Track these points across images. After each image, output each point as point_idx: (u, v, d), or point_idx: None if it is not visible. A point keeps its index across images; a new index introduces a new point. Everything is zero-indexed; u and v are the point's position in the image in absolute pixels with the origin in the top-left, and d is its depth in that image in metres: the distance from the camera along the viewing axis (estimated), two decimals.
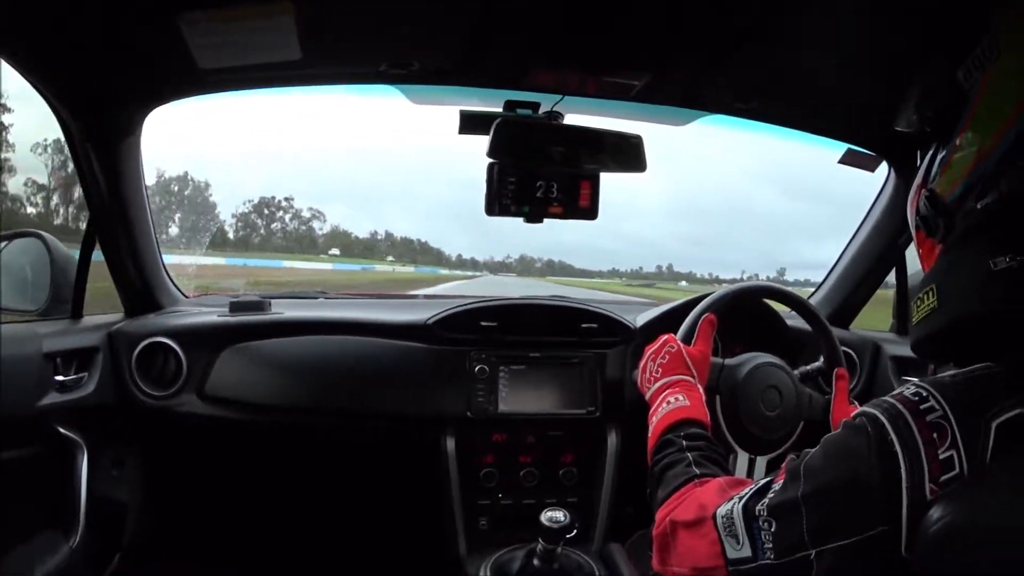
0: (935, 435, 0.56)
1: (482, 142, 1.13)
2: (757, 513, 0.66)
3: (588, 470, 1.45)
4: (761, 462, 1.23)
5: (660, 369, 1.04)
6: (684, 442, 0.88)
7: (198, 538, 1.63)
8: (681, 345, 1.07)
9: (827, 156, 1.50)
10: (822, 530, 0.60)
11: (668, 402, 0.96)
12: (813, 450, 0.65)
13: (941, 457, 0.55)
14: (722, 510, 0.70)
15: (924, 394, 0.58)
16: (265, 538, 1.68)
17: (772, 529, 0.64)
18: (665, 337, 1.08)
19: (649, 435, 0.95)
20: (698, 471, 0.82)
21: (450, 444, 1.39)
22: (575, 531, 1.38)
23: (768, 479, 0.69)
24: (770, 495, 0.66)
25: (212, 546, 1.64)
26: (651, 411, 0.98)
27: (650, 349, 1.08)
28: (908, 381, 0.62)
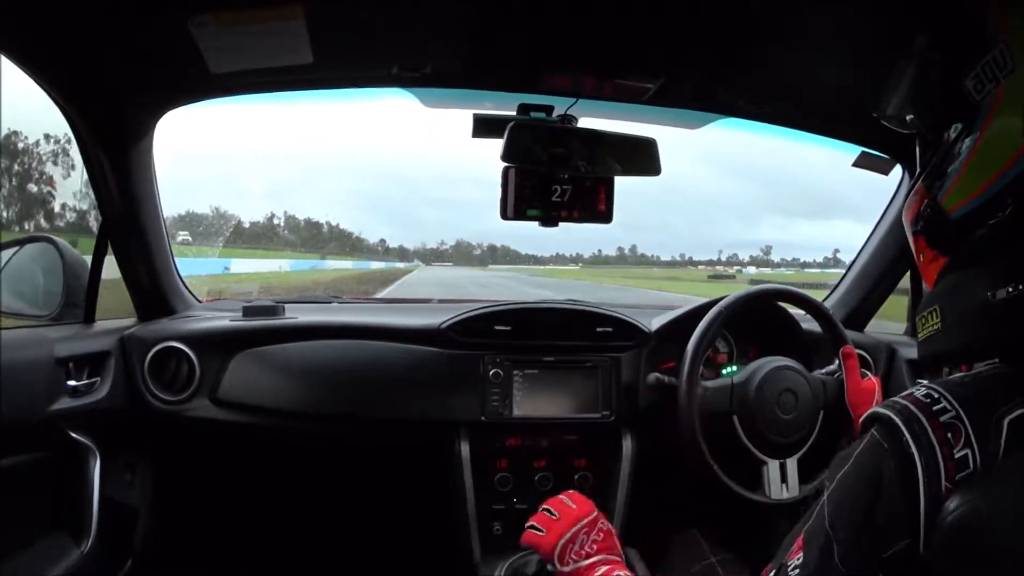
0: (949, 435, 0.56)
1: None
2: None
3: (603, 474, 1.44)
4: (792, 464, 1.23)
5: (596, 545, 1.02)
6: None
7: (210, 543, 1.63)
8: (610, 526, 1.07)
9: (839, 159, 1.49)
10: (850, 552, 0.59)
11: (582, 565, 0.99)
12: (830, 485, 0.63)
13: (956, 456, 0.55)
14: None
15: (936, 395, 0.58)
16: (277, 543, 1.68)
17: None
18: (595, 512, 1.07)
19: None
20: None
21: (464, 449, 1.39)
22: None
23: (781, 564, 0.66)
24: (793, 570, 0.63)
25: (224, 551, 1.63)
26: None
27: (577, 517, 1.05)
28: (920, 383, 0.63)
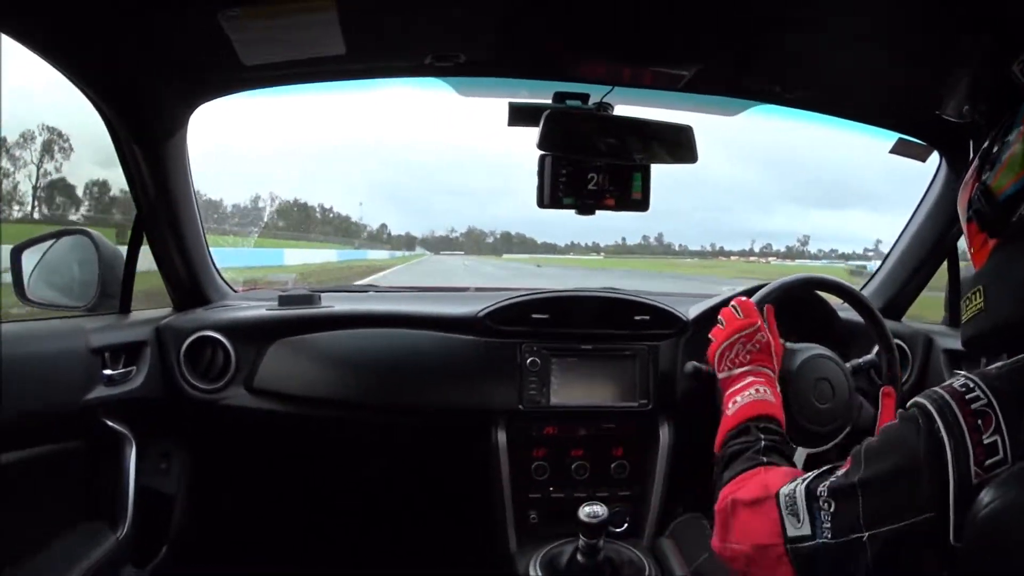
0: (979, 421, 0.59)
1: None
2: (819, 494, 0.69)
3: (640, 463, 1.44)
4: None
5: (749, 355, 1.04)
6: (761, 434, 0.90)
7: (244, 531, 1.65)
8: (771, 337, 1.07)
9: (877, 146, 1.47)
10: (875, 514, 0.64)
11: (755, 391, 0.98)
12: (873, 438, 0.69)
13: (986, 442, 0.58)
14: (785, 490, 0.74)
15: (971, 385, 0.62)
16: (311, 531, 1.69)
17: (831, 509, 0.68)
18: (759, 323, 1.08)
19: (726, 415, 0.97)
20: (766, 459, 0.86)
21: (501, 437, 1.39)
22: (626, 525, 1.38)
23: (834, 465, 0.72)
24: (832, 478, 0.69)
25: (258, 538, 1.65)
26: (730, 392, 1.01)
27: (740, 327, 1.07)
28: (958, 374, 0.66)
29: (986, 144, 0.72)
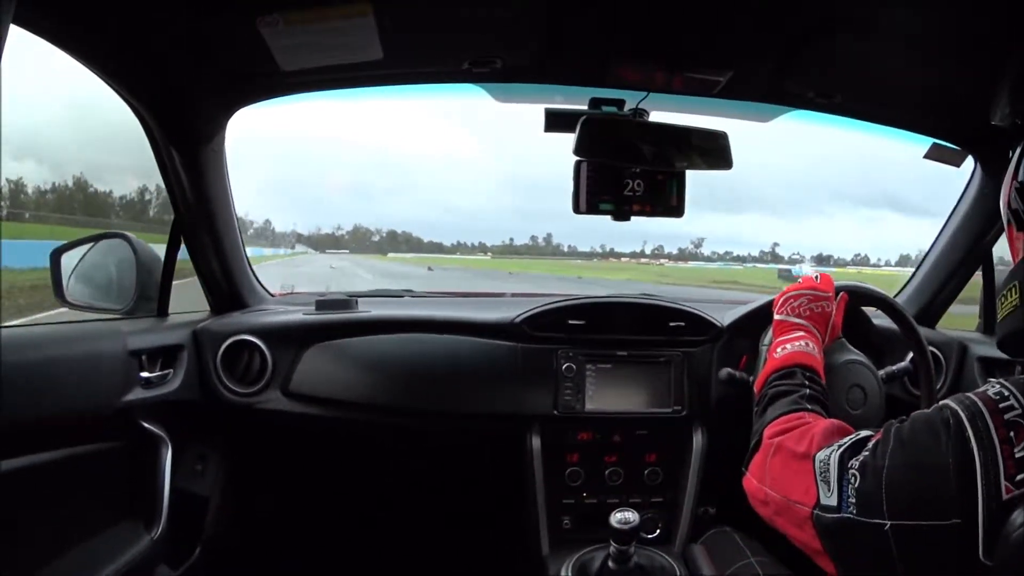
0: (1012, 433, 0.57)
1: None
2: (849, 466, 0.68)
3: (673, 470, 1.44)
4: None
5: (809, 311, 1.07)
6: (806, 380, 0.92)
7: (278, 533, 1.66)
8: (835, 308, 1.11)
9: (911, 151, 1.46)
10: (899, 505, 0.62)
11: (804, 343, 1.00)
12: (906, 421, 0.67)
13: (1017, 455, 0.56)
14: (821, 455, 0.73)
15: (1006, 393, 0.59)
16: (344, 534, 1.70)
17: (856, 484, 0.67)
18: (830, 294, 1.11)
19: (773, 358, 0.99)
20: (809, 406, 0.87)
21: (536, 442, 1.39)
22: (658, 531, 1.38)
23: (868, 434, 0.71)
24: (864, 453, 0.68)
25: (292, 541, 1.66)
26: (781, 338, 1.04)
27: (813, 287, 1.10)
28: (992, 381, 0.63)
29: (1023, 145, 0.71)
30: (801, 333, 1.03)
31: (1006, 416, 0.57)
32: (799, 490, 0.74)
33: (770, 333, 1.11)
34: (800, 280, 1.12)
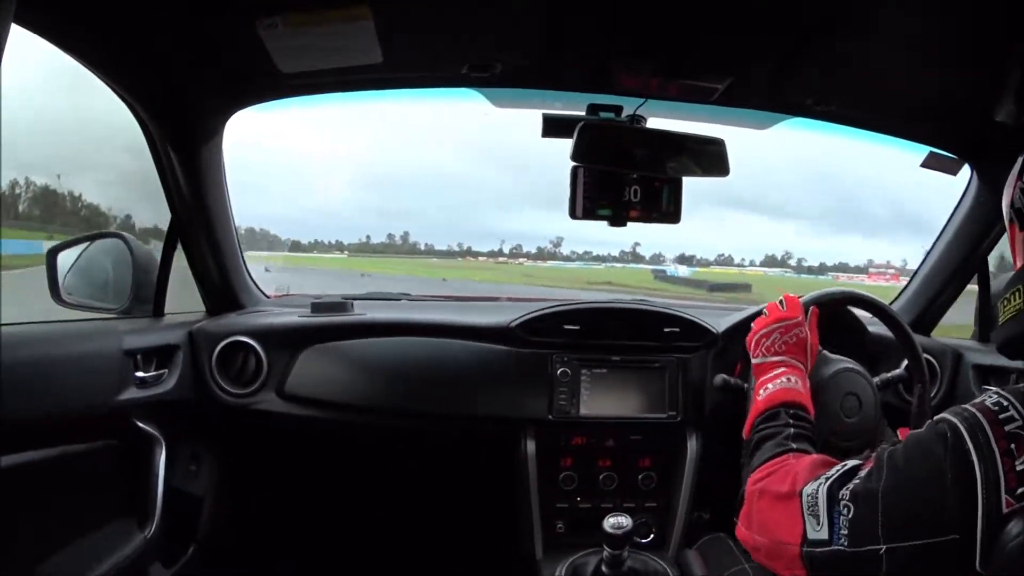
0: (1013, 445, 0.56)
1: None
2: (840, 497, 0.67)
3: (667, 475, 1.44)
4: None
5: (785, 346, 1.05)
6: (790, 419, 0.91)
7: (272, 533, 1.66)
8: (810, 336, 1.09)
9: (906, 159, 1.46)
10: (896, 526, 0.61)
11: (786, 379, 0.99)
12: (898, 444, 0.66)
13: (1019, 468, 0.55)
14: (808, 489, 0.72)
15: (1005, 404, 0.58)
16: (338, 535, 1.70)
17: (849, 515, 0.66)
18: (799, 318, 1.09)
19: (757, 401, 0.98)
20: (795, 446, 0.86)
21: (530, 446, 1.39)
22: (651, 536, 1.38)
23: (856, 463, 0.70)
24: (855, 481, 0.67)
25: (285, 542, 1.67)
26: (762, 379, 1.02)
27: (781, 318, 1.08)
28: (989, 390, 0.62)
29: None
30: (781, 370, 1.01)
31: (1007, 428, 0.57)
32: (785, 530, 0.73)
33: (752, 377, 1.09)
34: (764, 311, 1.11)
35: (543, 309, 1.45)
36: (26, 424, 1.01)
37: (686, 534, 1.39)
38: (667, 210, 1.19)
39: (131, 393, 1.22)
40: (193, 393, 1.35)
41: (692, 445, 1.42)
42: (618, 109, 1.18)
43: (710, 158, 1.18)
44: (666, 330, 1.43)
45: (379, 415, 1.41)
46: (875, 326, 1.40)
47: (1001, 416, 0.57)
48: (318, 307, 1.47)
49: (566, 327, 1.42)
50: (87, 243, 1.41)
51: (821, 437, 1.18)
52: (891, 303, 1.66)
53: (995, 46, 0.96)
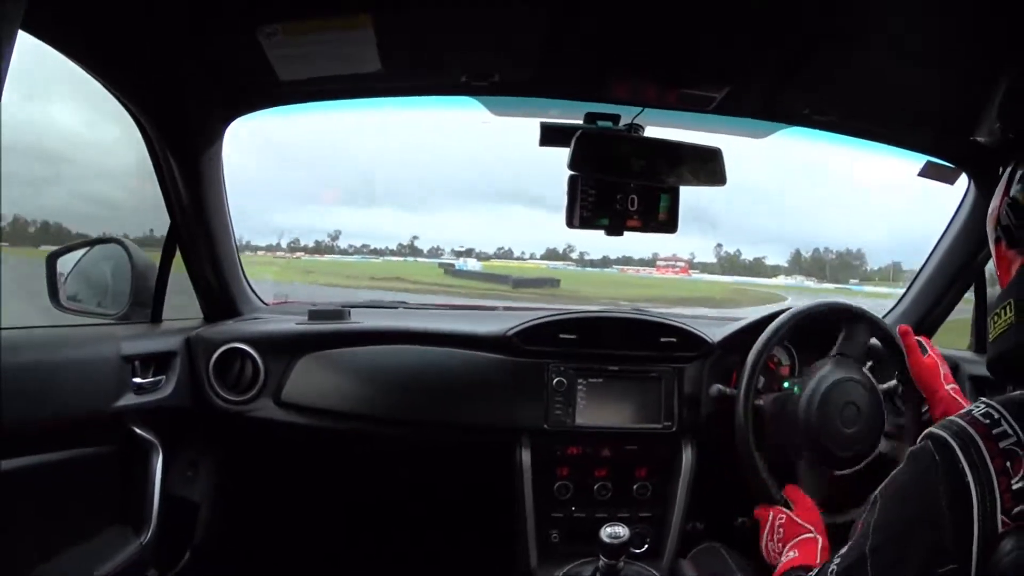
0: (1008, 464, 0.53)
1: None
2: (829, 573, 0.65)
3: (662, 485, 1.44)
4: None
5: (781, 543, 1.07)
6: None
7: (268, 540, 1.66)
8: (786, 512, 1.10)
9: (904, 168, 1.46)
10: (889, 572, 0.58)
11: (784, 558, 1.02)
12: (879, 504, 0.63)
13: (1014, 487, 0.53)
14: None
15: (995, 416, 0.56)
16: (334, 542, 1.70)
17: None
18: (770, 515, 1.12)
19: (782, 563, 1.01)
20: None
21: (525, 456, 1.39)
22: (646, 546, 1.38)
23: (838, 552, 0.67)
24: (837, 560, 0.65)
25: (282, 549, 1.66)
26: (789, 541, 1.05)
27: (763, 530, 1.12)
28: (979, 401, 0.60)
29: (1015, 161, 0.70)
30: (790, 556, 1.03)
31: (1001, 444, 0.54)
32: None
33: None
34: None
35: (539, 318, 1.45)
36: (23, 429, 1.01)
37: (680, 544, 1.38)
38: (664, 219, 1.19)
39: (129, 399, 1.22)
40: (190, 400, 1.35)
41: (687, 455, 1.42)
42: (616, 118, 1.18)
43: (706, 167, 1.18)
44: (662, 340, 1.44)
45: (375, 423, 1.41)
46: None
47: (995, 431, 0.55)
48: (315, 315, 1.47)
49: (562, 336, 1.42)
50: (86, 248, 1.42)
51: (822, 447, 1.19)
52: (886, 314, 1.66)
53: (990, 59, 0.97)
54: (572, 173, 1.14)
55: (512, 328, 1.43)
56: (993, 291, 1.57)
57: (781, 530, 1.07)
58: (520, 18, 1.03)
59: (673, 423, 1.42)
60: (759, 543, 1.12)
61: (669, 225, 1.20)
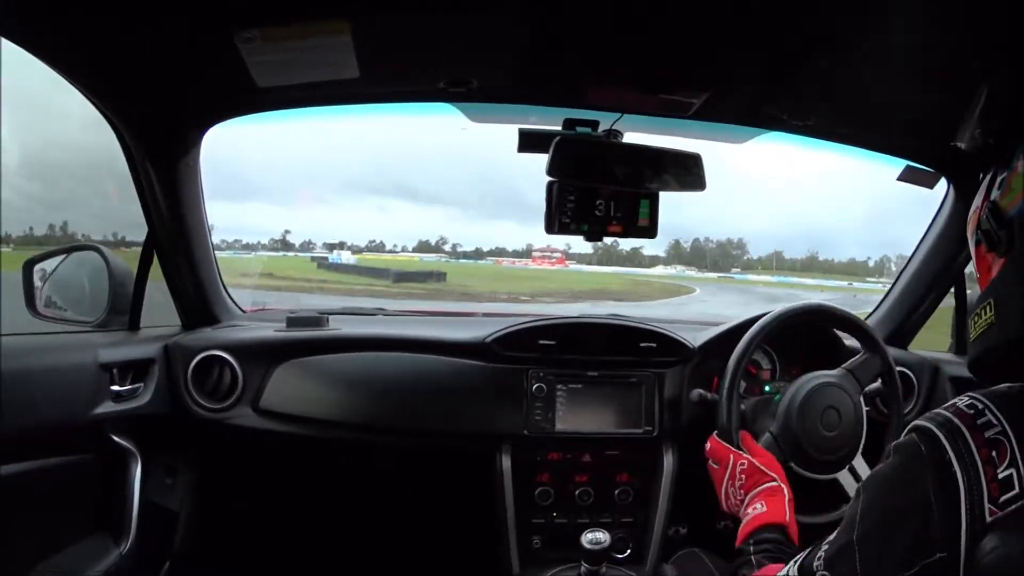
0: (994, 453, 0.55)
1: None
2: (814, 568, 0.66)
3: (643, 490, 1.44)
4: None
5: (742, 489, 1.07)
6: (752, 548, 0.93)
7: (248, 548, 1.65)
8: (748, 457, 1.10)
9: (882, 173, 1.47)
10: (876, 564, 0.59)
11: (752, 509, 1.01)
12: (865, 496, 0.64)
13: (1000, 477, 0.54)
14: (780, 574, 0.72)
15: (980, 407, 0.57)
16: (314, 551, 1.69)
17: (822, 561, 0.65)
18: (730, 458, 1.12)
19: (737, 545, 1.00)
20: (757, 567, 0.87)
21: (506, 462, 1.39)
22: (628, 551, 1.38)
23: (825, 540, 0.68)
24: (824, 547, 0.66)
25: (261, 556, 1.65)
26: (741, 527, 1.03)
27: (721, 476, 1.12)
28: (965, 395, 0.61)
29: (995, 167, 0.71)
30: (749, 509, 1.03)
31: (986, 434, 0.56)
32: None
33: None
34: (716, 466, 1.15)
35: (518, 324, 1.45)
36: (0, 437, 1.00)
37: (663, 548, 1.39)
38: (644, 224, 1.19)
39: (107, 407, 1.21)
40: (169, 407, 1.34)
41: (668, 460, 1.42)
42: (594, 124, 1.18)
43: (686, 173, 1.18)
44: (642, 345, 1.44)
45: (354, 430, 1.41)
46: (852, 340, 1.40)
47: (979, 421, 0.56)
48: (293, 322, 1.46)
49: (541, 342, 1.42)
50: (64, 255, 1.40)
51: (805, 454, 1.19)
52: (867, 317, 1.67)
53: (970, 64, 0.97)
54: (551, 179, 1.14)
55: (491, 334, 1.43)
56: (973, 293, 1.58)
57: (743, 476, 1.07)
58: (498, 24, 1.02)
59: (654, 428, 1.42)
60: (717, 490, 1.12)
61: (650, 230, 1.20)
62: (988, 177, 0.71)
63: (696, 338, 1.47)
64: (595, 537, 1.11)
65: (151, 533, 1.33)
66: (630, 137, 1.20)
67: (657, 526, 1.39)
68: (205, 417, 1.35)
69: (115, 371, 1.23)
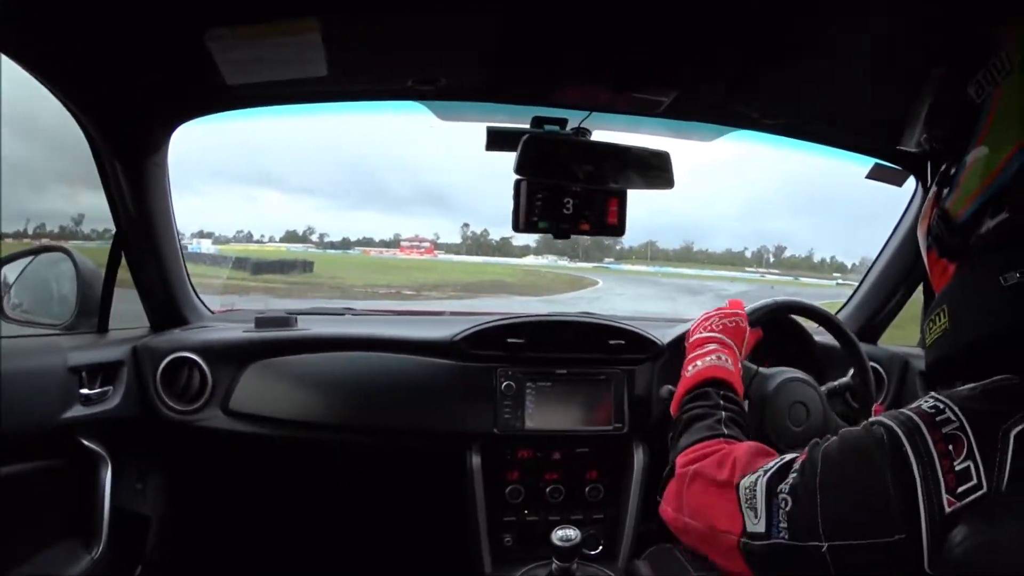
0: (950, 447, 0.56)
1: None
2: (778, 491, 0.67)
3: (614, 486, 1.45)
4: None
5: (722, 326, 1.07)
6: (721, 400, 0.90)
7: (220, 551, 1.64)
8: (748, 328, 1.11)
9: (851, 170, 1.49)
10: (837, 523, 0.61)
11: (716, 357, 0.99)
12: (832, 441, 0.66)
13: (957, 468, 0.55)
14: (746, 481, 0.71)
15: (941, 407, 0.58)
16: (287, 553, 1.68)
17: (787, 508, 0.65)
18: (741, 312, 1.12)
19: (685, 377, 0.98)
20: (726, 431, 0.85)
21: (476, 461, 1.39)
22: (600, 548, 1.39)
23: (794, 456, 0.69)
24: (792, 475, 0.66)
25: (234, 560, 1.64)
26: (692, 355, 1.02)
27: (722, 310, 1.12)
28: (928, 396, 0.62)
29: (943, 170, 0.71)
30: (713, 347, 1.02)
31: (944, 430, 0.57)
32: (723, 518, 0.72)
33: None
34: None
35: (486, 323, 1.45)
36: None
37: (635, 545, 1.39)
38: (612, 223, 1.19)
39: (76, 411, 1.20)
40: (138, 410, 1.32)
41: (638, 456, 1.43)
42: (563, 122, 1.18)
43: (654, 171, 1.18)
44: (611, 342, 1.44)
45: (324, 430, 1.40)
46: (821, 335, 1.42)
47: (938, 419, 0.57)
48: (262, 322, 1.45)
49: (510, 340, 1.42)
50: (31, 257, 1.39)
51: (771, 445, 1.20)
52: (837, 312, 1.68)
53: (918, 67, 0.99)
54: (518, 177, 1.14)
55: (459, 333, 1.43)
56: None
57: (732, 324, 1.09)
58: (467, 23, 1.02)
59: (624, 425, 1.42)
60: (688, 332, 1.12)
61: (618, 228, 1.19)
62: (936, 179, 0.72)
63: (665, 335, 1.48)
64: (566, 534, 1.11)
65: (122, 538, 1.32)
66: (598, 135, 1.20)
67: (628, 522, 1.40)
68: (174, 419, 1.34)
69: (84, 374, 1.22)
